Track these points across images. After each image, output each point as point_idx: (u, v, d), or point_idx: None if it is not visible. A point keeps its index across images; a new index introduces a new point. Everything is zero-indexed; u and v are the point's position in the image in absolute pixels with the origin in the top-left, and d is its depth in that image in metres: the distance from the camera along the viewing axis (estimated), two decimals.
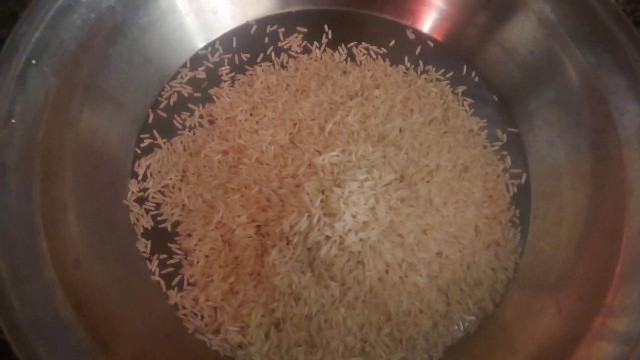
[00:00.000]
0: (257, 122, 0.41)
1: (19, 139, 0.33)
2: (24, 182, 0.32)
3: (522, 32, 0.42)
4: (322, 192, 0.36)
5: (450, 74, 0.45)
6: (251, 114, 0.41)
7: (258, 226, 0.37)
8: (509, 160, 0.42)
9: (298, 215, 0.36)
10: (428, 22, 0.46)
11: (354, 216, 0.36)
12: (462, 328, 0.37)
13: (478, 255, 0.38)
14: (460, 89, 0.44)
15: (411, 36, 0.46)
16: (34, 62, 0.34)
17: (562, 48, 0.40)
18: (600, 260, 0.35)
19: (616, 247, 0.35)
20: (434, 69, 0.45)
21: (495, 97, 0.44)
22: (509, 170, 0.42)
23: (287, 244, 0.36)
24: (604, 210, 0.37)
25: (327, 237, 0.35)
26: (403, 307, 0.36)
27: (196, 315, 0.37)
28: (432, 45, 0.45)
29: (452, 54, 0.45)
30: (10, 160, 0.32)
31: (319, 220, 0.35)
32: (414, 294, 0.37)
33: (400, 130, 0.40)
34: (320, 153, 0.38)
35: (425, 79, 0.44)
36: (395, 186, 0.37)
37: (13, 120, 0.33)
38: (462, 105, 0.44)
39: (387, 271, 0.36)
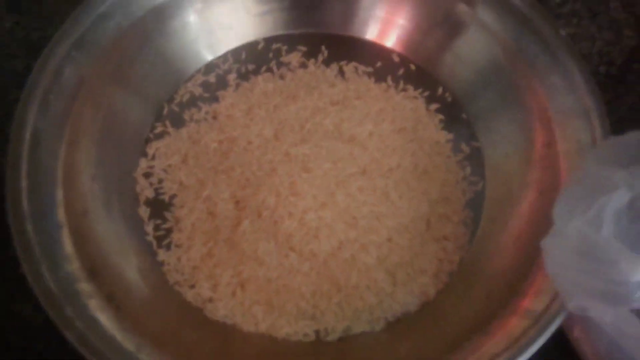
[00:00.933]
0: (251, 119, 0.48)
1: (54, 110, 0.41)
2: (54, 141, 0.41)
3: (489, 63, 0.48)
4: (292, 176, 0.43)
5: (427, 93, 0.51)
6: (247, 113, 0.49)
7: (237, 201, 0.44)
8: (469, 169, 0.47)
9: (269, 194, 0.42)
10: (412, 48, 0.52)
11: (315, 197, 0.42)
12: (404, 307, 0.42)
13: (427, 246, 0.43)
14: (434, 106, 0.50)
15: (396, 59, 0.52)
16: (73, 53, 0.43)
17: (522, 76, 0.46)
18: (529, 253, 0.39)
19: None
20: (412, 87, 0.51)
21: (464, 115, 0.49)
22: (468, 178, 0.47)
23: (258, 216, 0.43)
24: (540, 212, 0.41)
25: (291, 213, 0.42)
26: (352, 282, 0.41)
27: (177, 271, 0.43)
28: (414, 68, 0.52)
29: (431, 76, 0.51)
30: (45, 123, 0.40)
31: (285, 198, 0.42)
32: (363, 271, 0.42)
33: (369, 133, 0.46)
34: (296, 145, 0.45)
35: (403, 95, 0.50)
36: (356, 177, 0.43)
37: (51, 96, 0.41)
38: (433, 120, 0.49)
39: (339, 248, 0.42)
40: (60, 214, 0.39)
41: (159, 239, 0.44)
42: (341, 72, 0.52)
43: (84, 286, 0.37)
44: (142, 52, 0.47)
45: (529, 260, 0.38)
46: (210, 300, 0.42)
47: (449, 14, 0.48)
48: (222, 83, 0.51)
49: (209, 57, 0.52)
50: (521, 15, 0.45)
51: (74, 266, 0.38)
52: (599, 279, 0.29)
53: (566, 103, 0.43)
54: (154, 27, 0.48)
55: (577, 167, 0.40)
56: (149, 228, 0.45)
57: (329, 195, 0.42)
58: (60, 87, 0.42)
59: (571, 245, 0.33)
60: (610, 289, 0.29)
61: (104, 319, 0.36)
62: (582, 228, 0.32)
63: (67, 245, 0.38)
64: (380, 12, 0.51)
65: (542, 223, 0.40)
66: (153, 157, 0.47)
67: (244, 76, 0.51)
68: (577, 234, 0.33)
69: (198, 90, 0.51)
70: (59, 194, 0.40)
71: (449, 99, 0.50)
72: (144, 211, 0.45)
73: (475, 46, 0.47)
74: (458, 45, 0.49)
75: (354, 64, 0.52)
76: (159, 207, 0.46)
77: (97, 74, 0.44)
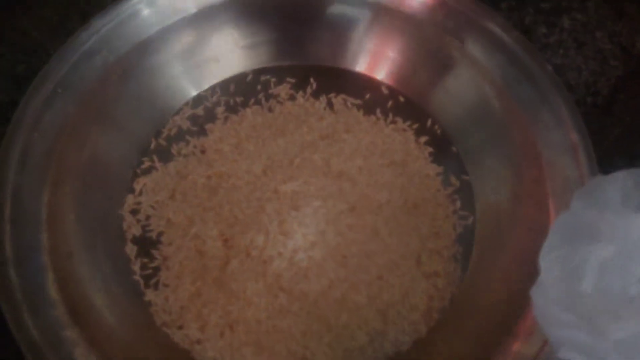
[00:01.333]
0: (240, 154, 0.48)
1: (38, 149, 0.41)
2: (37, 183, 0.40)
3: (478, 97, 0.48)
4: (281, 214, 0.42)
5: (416, 125, 0.51)
6: (236, 147, 0.48)
7: (226, 240, 0.44)
8: (459, 203, 0.47)
9: (258, 233, 0.42)
10: (401, 80, 0.52)
11: (304, 236, 0.41)
12: (395, 346, 0.42)
13: (417, 282, 0.43)
14: (423, 139, 0.50)
15: (385, 91, 0.52)
16: (59, 91, 0.42)
17: (510, 111, 0.46)
18: (520, 291, 0.39)
19: (532, 282, 0.39)
20: (401, 120, 0.51)
21: (454, 148, 0.49)
22: (458, 212, 0.47)
23: (247, 256, 0.42)
24: (529, 249, 0.41)
25: (280, 253, 0.41)
26: (342, 321, 0.41)
27: (165, 311, 0.42)
28: (402, 100, 0.52)
29: (420, 108, 0.51)
30: (29, 164, 0.40)
31: (274, 237, 0.41)
32: (353, 310, 0.41)
33: (359, 168, 0.46)
34: (285, 182, 0.44)
35: (392, 128, 0.50)
36: (346, 215, 0.43)
37: (35, 134, 0.41)
38: (423, 153, 0.49)
39: (330, 287, 0.41)
40: (45, 258, 0.38)
41: (146, 278, 0.44)
42: (330, 105, 0.52)
43: (69, 333, 0.36)
44: (128, 88, 0.47)
45: (520, 299, 0.38)
46: (198, 341, 0.41)
47: (439, 48, 0.48)
48: (210, 116, 0.51)
49: (196, 90, 0.51)
50: (508, 50, 0.45)
51: (58, 312, 0.37)
52: (580, 334, 0.29)
53: (554, 139, 0.43)
54: (140, 62, 0.47)
55: (565, 207, 0.40)
56: (136, 267, 0.44)
57: (318, 234, 0.42)
58: (43, 128, 0.41)
59: (555, 297, 0.32)
60: (590, 346, 0.29)
61: None
62: (565, 279, 0.32)
63: (52, 289, 0.37)
64: (370, 45, 0.51)
65: (532, 261, 0.40)
66: (140, 193, 0.47)
67: (232, 109, 0.51)
68: (559, 285, 0.32)
69: (186, 124, 0.50)
70: (44, 237, 0.39)
71: (438, 132, 0.50)
72: (130, 249, 0.45)
73: (464, 81, 0.48)
74: (447, 79, 0.49)
75: (342, 96, 0.52)
76: (146, 244, 0.45)
77: (82, 111, 0.43)
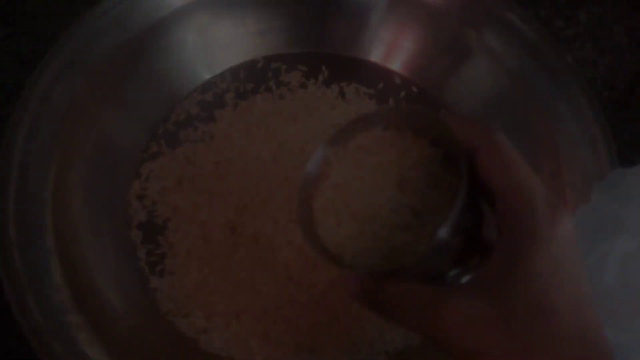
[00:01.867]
0: (249, 141, 0.47)
1: (44, 132, 0.40)
2: (44, 163, 0.39)
3: (495, 88, 0.47)
4: (291, 202, 0.41)
5: None
6: (245, 134, 0.47)
7: (233, 227, 0.43)
8: None
9: (267, 221, 0.41)
10: (415, 70, 0.51)
11: None
12: (406, 340, 0.41)
13: None
14: None
15: (398, 81, 0.51)
16: (66, 71, 0.42)
17: (528, 103, 0.45)
18: None
19: None
20: None
21: None
22: None
23: (255, 244, 0.41)
24: None
25: (289, 241, 0.40)
26: (352, 313, 0.40)
27: (171, 299, 0.41)
28: (415, 90, 0.51)
29: (433, 98, 0.50)
30: (36, 143, 0.39)
31: (283, 225, 0.40)
32: None
33: None
34: (296, 169, 0.43)
35: None
36: None
37: (42, 116, 0.40)
38: None
39: (339, 277, 0.40)
40: (50, 241, 0.38)
41: (152, 265, 0.43)
42: (342, 93, 0.51)
43: (73, 318, 0.35)
44: (137, 70, 0.46)
45: None
46: (205, 330, 0.40)
47: (455, 38, 0.47)
48: (219, 102, 0.50)
49: (206, 75, 0.50)
50: (527, 41, 0.44)
51: (63, 296, 0.36)
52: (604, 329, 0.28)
53: (572, 132, 0.42)
54: (150, 44, 0.46)
55: (583, 200, 0.40)
56: (142, 253, 0.43)
57: None
58: (51, 108, 0.40)
59: None
60: (614, 341, 0.28)
61: (94, 353, 0.35)
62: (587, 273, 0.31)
63: (56, 273, 0.37)
64: (385, 34, 0.50)
65: None
66: (147, 179, 0.46)
67: (242, 95, 0.50)
68: None
69: (195, 110, 0.49)
70: (48, 220, 0.38)
71: None
72: (136, 235, 0.44)
73: (481, 71, 0.47)
74: (463, 70, 0.48)
75: (354, 85, 0.51)
76: (153, 231, 0.44)
77: (90, 93, 0.42)
